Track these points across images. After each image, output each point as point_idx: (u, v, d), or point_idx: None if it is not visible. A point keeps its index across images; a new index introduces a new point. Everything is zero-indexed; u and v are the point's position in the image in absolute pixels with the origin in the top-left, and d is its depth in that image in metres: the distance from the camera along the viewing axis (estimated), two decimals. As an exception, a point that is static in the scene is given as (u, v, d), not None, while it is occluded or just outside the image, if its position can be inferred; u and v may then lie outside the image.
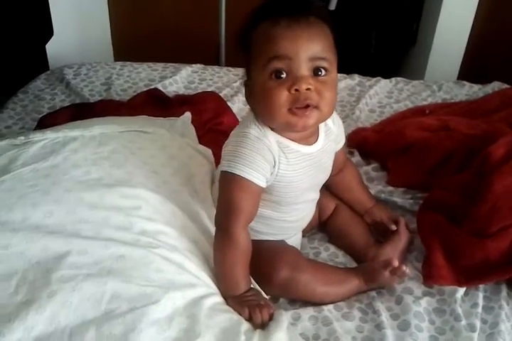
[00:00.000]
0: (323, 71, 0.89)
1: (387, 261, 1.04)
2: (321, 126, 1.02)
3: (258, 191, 0.96)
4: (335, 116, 1.07)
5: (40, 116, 1.48)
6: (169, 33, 2.35)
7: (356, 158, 1.40)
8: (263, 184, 0.95)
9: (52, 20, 1.93)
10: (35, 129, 1.41)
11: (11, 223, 0.95)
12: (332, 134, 1.05)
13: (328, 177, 1.09)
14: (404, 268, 1.03)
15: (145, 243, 0.96)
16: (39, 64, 1.92)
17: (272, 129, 0.96)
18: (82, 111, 1.43)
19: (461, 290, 1.05)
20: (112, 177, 1.06)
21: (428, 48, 2.37)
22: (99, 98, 1.64)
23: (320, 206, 1.18)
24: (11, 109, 1.60)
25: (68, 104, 1.61)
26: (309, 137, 0.99)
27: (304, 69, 0.88)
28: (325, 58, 0.89)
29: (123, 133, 1.19)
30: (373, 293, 1.07)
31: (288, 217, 1.06)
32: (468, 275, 1.05)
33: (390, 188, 1.30)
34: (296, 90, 0.88)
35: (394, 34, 2.56)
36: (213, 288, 0.97)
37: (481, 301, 1.04)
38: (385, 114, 1.61)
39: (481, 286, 1.06)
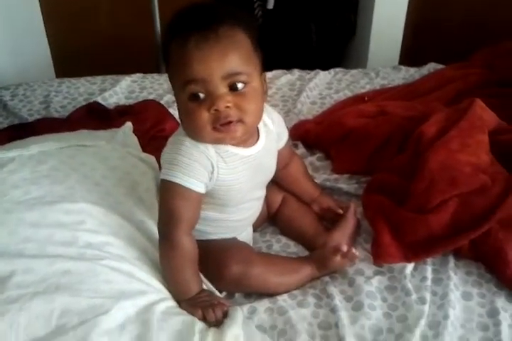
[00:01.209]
0: (239, 85, 0.89)
1: (336, 247, 1.06)
2: (261, 126, 1.03)
3: (198, 197, 0.97)
4: (274, 114, 1.09)
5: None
6: (108, 44, 2.34)
7: (301, 149, 1.42)
8: (202, 190, 0.96)
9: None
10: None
11: (-49, 250, 0.94)
12: (272, 134, 1.06)
13: (272, 175, 1.11)
14: (353, 251, 1.05)
15: (91, 256, 0.96)
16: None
17: None
18: (20, 132, 1.42)
19: (410, 266, 1.08)
20: (53, 194, 1.06)
21: (367, 38, 2.41)
22: (38, 117, 1.63)
23: (267, 200, 1.20)
24: (-50, 136, 1.57)
25: (7, 126, 1.59)
26: (247, 140, 1.00)
27: (221, 87, 0.88)
28: (241, 72, 0.88)
29: (62, 150, 1.19)
30: (327, 278, 1.09)
31: (234, 216, 1.08)
32: (415, 251, 1.08)
33: (335, 176, 1.33)
34: (216, 110, 0.89)
35: (333, 26, 2.61)
36: (165, 293, 0.98)
37: (429, 274, 1.07)
38: (326, 104, 1.64)
39: (429, 260, 1.09)
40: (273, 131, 1.07)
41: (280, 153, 1.11)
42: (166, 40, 0.92)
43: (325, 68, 1.85)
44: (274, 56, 2.40)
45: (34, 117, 1.64)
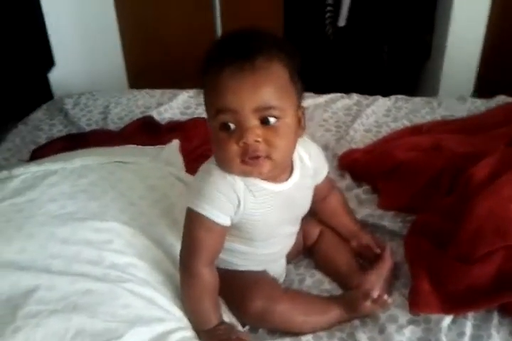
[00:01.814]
0: (272, 119, 0.85)
1: (366, 292, 1.00)
2: (296, 161, 0.99)
3: (221, 230, 0.94)
4: (312, 148, 1.05)
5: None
6: (179, 57, 2.37)
7: (347, 180, 1.37)
8: (226, 223, 0.94)
9: (59, 50, 1.99)
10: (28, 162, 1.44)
11: (-16, 259, 0.96)
12: (307, 170, 1.02)
13: (306, 211, 1.07)
14: (385, 298, 0.99)
15: (114, 277, 0.95)
16: (42, 94, 1.96)
17: None
18: (73, 142, 1.45)
19: (449, 318, 1.01)
20: (86, 210, 1.06)
21: (441, 61, 2.31)
22: (96, 127, 1.66)
23: (304, 232, 1.16)
24: (10, 141, 1.63)
25: (65, 134, 1.63)
26: (280, 175, 0.96)
27: (251, 120, 0.85)
28: (273, 107, 0.85)
29: (104, 165, 1.20)
30: (356, 322, 1.03)
31: (263, 250, 1.04)
32: (455, 303, 1.01)
33: (380, 212, 1.26)
34: (245, 143, 0.86)
35: (407, 48, 2.53)
36: (184, 322, 0.96)
37: (468, 330, 0.99)
38: (381, 133, 1.57)
39: (470, 314, 1.01)
40: (309, 166, 1.02)
41: (318, 186, 1.07)
42: (204, 67, 0.90)
43: (395, 91, 1.78)
44: (341, 76, 2.39)
45: (91, 127, 1.68)
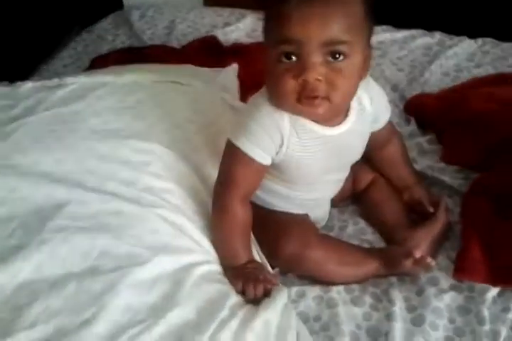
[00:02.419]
0: (340, 56, 0.77)
1: (409, 250, 0.93)
2: (354, 104, 0.90)
3: (260, 168, 0.88)
4: (375, 91, 0.94)
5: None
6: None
7: (411, 127, 1.25)
8: (266, 162, 0.87)
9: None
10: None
11: (22, 166, 0.94)
12: (367, 115, 0.93)
13: (358, 158, 0.98)
14: (429, 260, 0.92)
15: (147, 201, 0.92)
16: (113, 3, 1.90)
17: None
18: (132, 55, 1.40)
19: (495, 290, 0.92)
20: (130, 128, 1.02)
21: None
22: (158, 42, 1.60)
23: (355, 177, 1.08)
24: (72, 48, 1.61)
25: (128, 46, 1.58)
26: (334, 117, 0.88)
27: (316, 55, 0.76)
28: (344, 41, 0.76)
29: (155, 83, 1.15)
30: (393, 279, 0.97)
31: (305, 195, 0.98)
32: (505, 275, 0.92)
33: (442, 165, 1.15)
34: (304, 80, 0.77)
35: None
36: (212, 255, 0.92)
37: (515, 305, 0.91)
38: (460, 79, 1.42)
39: (519, 288, 0.93)
40: (369, 111, 0.93)
41: (376, 133, 0.98)
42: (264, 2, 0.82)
43: (485, 33, 1.60)
44: (426, 9, 2.16)
45: (154, 41, 1.62)
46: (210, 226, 0.94)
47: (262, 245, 0.97)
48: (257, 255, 0.96)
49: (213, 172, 1.01)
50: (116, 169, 0.95)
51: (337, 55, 0.77)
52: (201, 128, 1.08)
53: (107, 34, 1.66)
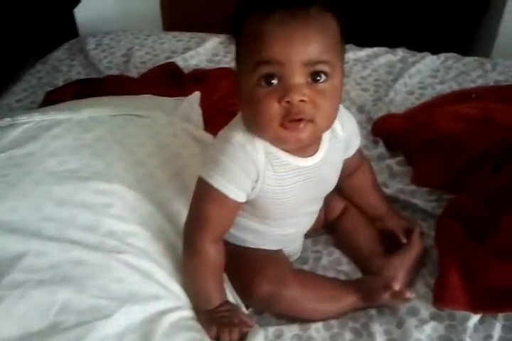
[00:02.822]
0: (322, 76, 0.74)
1: (387, 283, 0.90)
2: (326, 133, 0.86)
3: (234, 206, 0.84)
4: (346, 117, 0.91)
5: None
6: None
7: (380, 149, 1.23)
8: (241, 199, 0.83)
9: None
10: (40, 106, 1.35)
11: (-26, 216, 0.88)
12: (339, 142, 0.89)
13: (332, 188, 0.95)
14: (407, 294, 0.89)
15: (110, 246, 0.87)
16: (67, 32, 1.85)
17: None
18: (88, 87, 1.35)
19: (476, 317, 0.90)
20: (89, 168, 0.97)
21: (499, 17, 2.08)
22: (116, 71, 1.55)
23: (327, 206, 1.05)
24: (25, 81, 1.54)
25: (84, 77, 1.53)
26: (307, 147, 0.84)
27: (299, 76, 0.72)
28: (326, 61, 0.73)
29: (114, 117, 1.10)
30: (373, 312, 0.94)
31: (279, 231, 0.94)
32: (485, 301, 0.90)
33: (413, 187, 1.14)
34: (288, 102, 0.73)
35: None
36: (183, 300, 0.88)
37: (497, 332, 0.88)
38: (424, 96, 1.42)
39: (501, 315, 0.90)
40: (341, 138, 0.90)
41: (347, 160, 0.95)
42: (241, 13, 0.76)
43: (445, 48, 1.60)
44: (387, 27, 2.18)
45: (111, 70, 1.57)
46: (181, 268, 0.89)
47: (235, 284, 0.93)
48: (231, 295, 0.92)
49: (181, 209, 0.97)
50: (76, 214, 0.90)
51: (318, 77, 0.73)
52: (164, 163, 1.03)
53: (62, 65, 1.60)
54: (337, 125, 0.88)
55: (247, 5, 0.76)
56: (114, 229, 0.90)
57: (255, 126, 0.79)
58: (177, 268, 0.90)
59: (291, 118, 0.74)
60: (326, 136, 0.86)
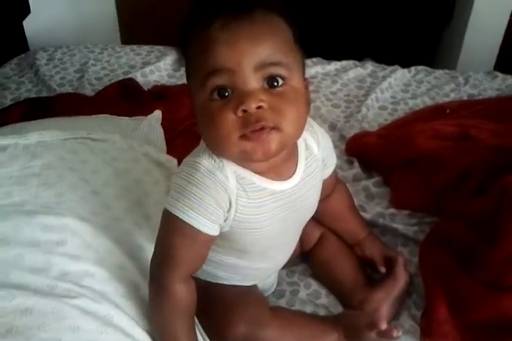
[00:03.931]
0: (279, 81, 0.67)
1: (372, 321, 0.83)
2: (301, 150, 0.79)
3: (206, 240, 0.75)
4: (320, 134, 0.84)
5: (-7, 111, 1.29)
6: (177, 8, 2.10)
7: (355, 169, 1.17)
8: (214, 232, 0.74)
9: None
10: (-16, 128, 1.23)
11: None
12: (316, 161, 0.82)
13: (313, 214, 0.87)
14: (394, 333, 0.81)
15: (62, 291, 0.76)
16: (16, 46, 1.73)
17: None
18: (37, 107, 1.24)
19: (467, 353, 0.83)
20: (37, 200, 0.87)
21: (463, 27, 2.07)
22: (69, 89, 1.45)
23: (303, 233, 0.95)
24: (-31, 101, 1.42)
25: (34, 95, 1.42)
26: (281, 167, 0.76)
27: (252, 81, 0.66)
28: (279, 62, 0.66)
29: (65, 142, 1.00)
30: (357, 351, 0.86)
31: (256, 264, 0.86)
32: (476, 336, 0.83)
33: (392, 210, 1.07)
34: (245, 111, 0.66)
35: (426, 9, 2.26)
36: (148, 347, 0.78)
37: (491, 370, 0.82)
38: (397, 112, 1.36)
39: (494, 350, 0.84)
40: (318, 157, 0.82)
41: (324, 180, 0.87)
42: (186, 30, 0.70)
43: (409, 60, 1.55)
44: (349, 39, 2.15)
45: (64, 88, 1.47)
46: (146, 312, 0.79)
47: (206, 326, 0.83)
48: (201, 338, 0.83)
49: (143, 243, 0.88)
50: (22, 254, 0.78)
51: (275, 82, 0.67)
52: (123, 192, 0.93)
53: (10, 82, 1.49)
54: (311, 142, 0.81)
55: (191, 17, 0.70)
56: (67, 270, 0.79)
57: (215, 145, 0.71)
58: (141, 312, 0.80)
59: (251, 129, 0.66)
60: (302, 155, 0.79)
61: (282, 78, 0.67)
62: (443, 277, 0.89)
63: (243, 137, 0.67)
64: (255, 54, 0.65)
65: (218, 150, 0.71)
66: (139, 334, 0.78)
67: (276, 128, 0.67)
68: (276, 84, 0.67)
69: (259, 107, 0.65)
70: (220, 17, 0.65)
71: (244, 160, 0.72)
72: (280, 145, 0.69)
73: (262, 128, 0.67)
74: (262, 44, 0.65)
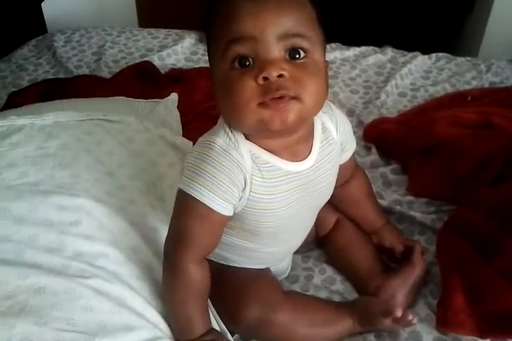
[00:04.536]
0: (301, 52, 0.66)
1: (388, 308, 0.81)
2: (317, 132, 0.78)
3: (220, 220, 0.74)
4: (339, 117, 0.82)
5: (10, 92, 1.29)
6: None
7: (373, 156, 1.15)
8: (228, 212, 0.73)
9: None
10: (1, 109, 1.23)
11: None
12: (333, 144, 0.80)
13: (328, 198, 0.85)
14: (410, 318, 0.80)
15: (76, 270, 0.76)
16: (35, 28, 1.72)
17: (247, 137, 0.73)
18: (54, 88, 1.23)
19: (484, 343, 0.82)
20: (51, 181, 0.86)
21: (486, 16, 2.02)
22: (86, 71, 1.44)
23: (318, 218, 0.95)
24: (-14, 82, 1.42)
25: (51, 76, 1.42)
26: (297, 147, 0.75)
27: (274, 50, 0.65)
28: (302, 35, 0.66)
29: (81, 123, 0.99)
30: (371, 337, 0.85)
31: (268, 248, 0.84)
32: (494, 325, 0.82)
33: (410, 198, 1.05)
34: (266, 79, 0.64)
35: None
36: (162, 328, 0.77)
37: (508, 360, 0.80)
38: (417, 99, 1.34)
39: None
40: (335, 140, 0.81)
41: (340, 167, 0.85)
42: (210, 3, 0.70)
43: (430, 48, 1.52)
44: (371, 26, 2.11)
45: (81, 70, 1.46)
46: (159, 293, 0.79)
47: (219, 309, 0.83)
48: (214, 321, 0.82)
49: (157, 225, 0.87)
50: (37, 233, 0.79)
51: (297, 55, 0.66)
52: (138, 174, 0.93)
53: (28, 63, 1.48)
54: (330, 125, 0.80)
55: None
56: (81, 250, 0.79)
57: (233, 114, 0.69)
58: (154, 293, 0.80)
59: (271, 96, 0.65)
60: (318, 138, 0.78)
61: (304, 51, 0.66)
62: (461, 266, 0.88)
63: (262, 105, 0.66)
64: (279, 24, 0.65)
65: (236, 119, 0.70)
66: (152, 316, 0.78)
67: (296, 98, 0.66)
68: (298, 56, 0.66)
69: (280, 76, 0.64)
70: None
71: (261, 130, 0.70)
72: (298, 116, 0.67)
73: (282, 97, 0.65)
74: (287, 15, 0.65)
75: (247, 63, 0.65)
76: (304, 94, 0.66)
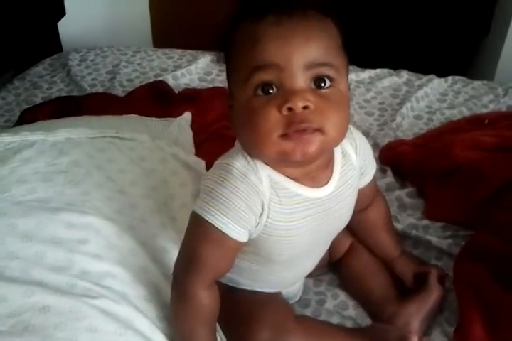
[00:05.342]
0: (327, 81, 0.64)
1: (403, 335, 0.79)
2: (337, 158, 0.76)
3: (235, 246, 0.71)
4: (358, 139, 0.80)
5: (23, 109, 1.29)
6: (210, 15, 2.10)
7: (388, 178, 1.12)
8: (243, 238, 0.71)
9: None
10: (14, 125, 1.23)
11: None
12: (353, 169, 0.78)
13: (345, 225, 0.83)
14: None
15: (82, 290, 0.74)
16: (50, 47, 1.74)
17: (266, 162, 0.71)
18: (67, 106, 1.23)
19: (504, 375, 0.79)
20: (62, 198, 0.85)
21: (502, 40, 2.02)
22: (100, 89, 1.44)
23: (332, 242, 0.92)
24: (1, 98, 1.42)
25: (66, 94, 1.42)
26: (317, 173, 0.73)
27: (300, 80, 0.63)
28: (330, 64, 0.64)
29: (94, 139, 0.98)
30: (385, 365, 0.82)
31: (281, 273, 0.82)
32: (515, 356, 0.78)
33: (426, 222, 1.03)
34: (290, 109, 0.63)
35: (464, 21, 2.22)
36: (167, 353, 0.75)
37: None
38: (433, 122, 1.32)
39: (533, 372, 0.79)
40: (355, 164, 0.78)
41: (360, 191, 0.83)
42: (230, 27, 0.68)
43: (445, 71, 1.51)
44: (386, 48, 2.11)
45: (95, 89, 1.46)
46: (167, 316, 0.77)
47: (228, 332, 0.80)
48: (222, 345, 0.80)
49: (167, 245, 0.85)
50: (44, 251, 0.77)
51: (322, 84, 0.64)
52: (149, 192, 0.91)
53: (42, 81, 1.49)
54: (349, 149, 0.78)
55: (240, 12, 0.68)
56: (88, 269, 0.77)
57: (253, 143, 0.67)
58: (162, 316, 0.78)
59: (295, 129, 0.63)
60: (338, 163, 0.75)
61: (330, 79, 0.64)
62: (478, 293, 0.85)
63: (284, 136, 0.64)
64: (307, 52, 0.63)
65: (255, 149, 0.68)
66: (159, 339, 0.75)
67: (319, 130, 0.64)
68: (323, 85, 0.64)
69: (305, 107, 0.62)
70: (273, 12, 0.64)
71: (281, 161, 0.68)
72: (321, 148, 0.66)
73: (305, 129, 0.64)
74: (314, 43, 0.63)
75: (271, 91, 0.64)
76: (328, 126, 0.64)
